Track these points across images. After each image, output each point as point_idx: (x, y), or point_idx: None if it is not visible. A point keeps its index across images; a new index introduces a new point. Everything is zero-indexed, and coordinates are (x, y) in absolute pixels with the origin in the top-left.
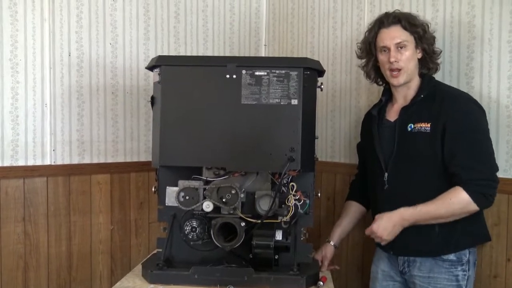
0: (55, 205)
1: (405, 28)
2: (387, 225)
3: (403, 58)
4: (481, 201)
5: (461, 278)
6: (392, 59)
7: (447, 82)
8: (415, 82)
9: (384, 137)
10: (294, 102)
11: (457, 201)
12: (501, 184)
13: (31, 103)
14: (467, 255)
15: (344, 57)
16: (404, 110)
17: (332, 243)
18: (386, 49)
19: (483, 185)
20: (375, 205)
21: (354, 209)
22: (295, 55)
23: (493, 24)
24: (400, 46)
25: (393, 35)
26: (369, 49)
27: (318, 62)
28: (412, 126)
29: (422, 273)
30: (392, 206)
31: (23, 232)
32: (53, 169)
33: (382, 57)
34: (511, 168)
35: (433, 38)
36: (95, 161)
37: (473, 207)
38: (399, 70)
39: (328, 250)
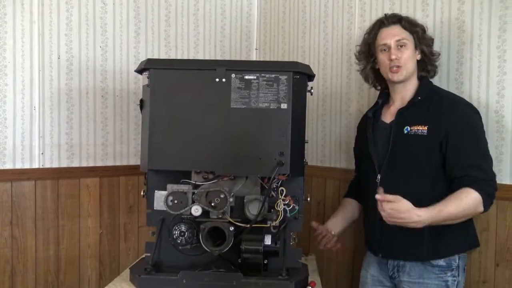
0: (43, 209)
1: (405, 28)
2: (406, 214)
3: (403, 56)
4: (487, 202)
5: (450, 284)
6: (393, 56)
7: None
8: (413, 83)
9: (378, 138)
10: (284, 106)
11: (470, 201)
12: None
13: (20, 105)
14: (457, 261)
15: (335, 62)
16: (400, 112)
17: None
18: (387, 48)
19: (490, 185)
20: (366, 208)
21: (351, 206)
22: (286, 59)
23: (483, 29)
24: (400, 45)
25: (394, 33)
26: (368, 50)
27: (308, 66)
28: (409, 129)
29: (412, 279)
30: None
31: (10, 236)
32: (42, 173)
33: (382, 56)
34: (500, 173)
35: (432, 40)
36: (84, 164)
37: (481, 207)
38: (399, 67)
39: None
